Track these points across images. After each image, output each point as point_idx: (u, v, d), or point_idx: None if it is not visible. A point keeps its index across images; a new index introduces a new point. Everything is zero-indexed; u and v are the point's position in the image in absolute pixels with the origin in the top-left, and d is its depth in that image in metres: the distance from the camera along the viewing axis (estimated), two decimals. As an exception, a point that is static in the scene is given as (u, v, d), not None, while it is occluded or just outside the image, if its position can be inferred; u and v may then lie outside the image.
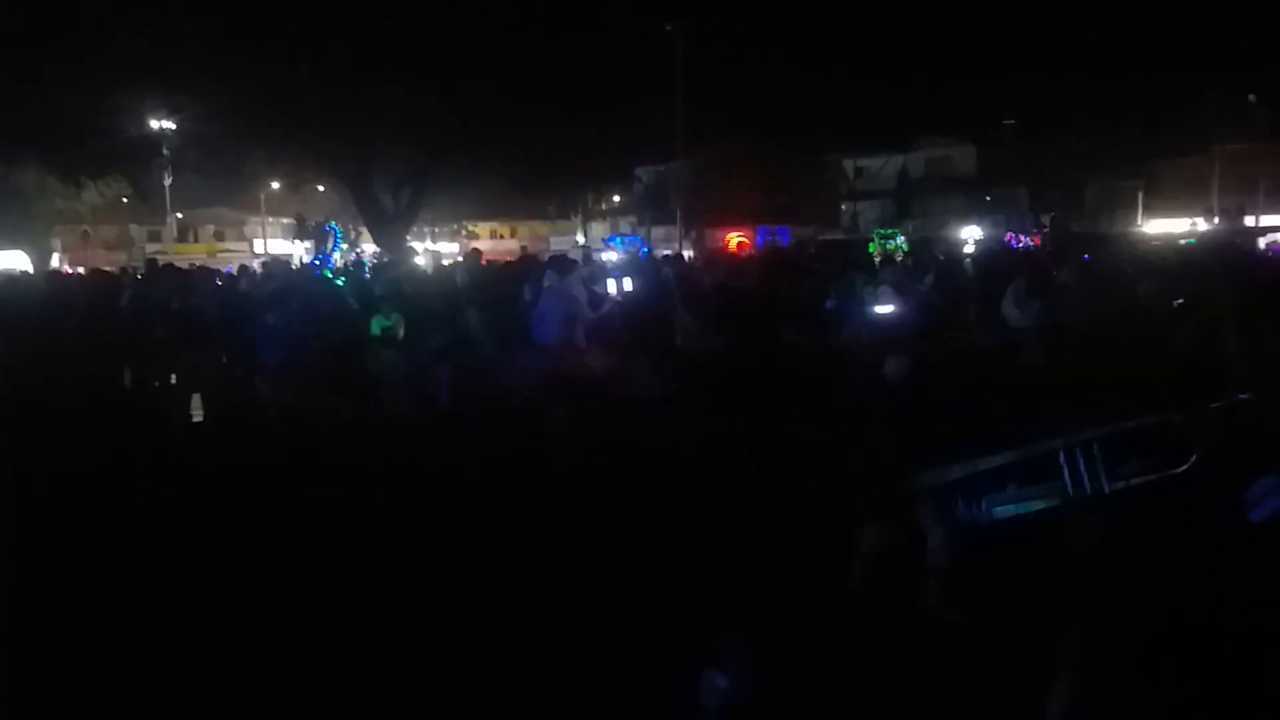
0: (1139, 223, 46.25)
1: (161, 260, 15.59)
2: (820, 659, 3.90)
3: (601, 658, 3.83)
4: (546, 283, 8.96)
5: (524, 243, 42.59)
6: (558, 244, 45.24)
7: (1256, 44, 53.29)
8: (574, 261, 10.19)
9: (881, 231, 19.32)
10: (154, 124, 22.33)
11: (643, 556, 5.51)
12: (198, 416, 9.94)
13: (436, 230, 48.94)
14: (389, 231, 23.56)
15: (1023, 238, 27.65)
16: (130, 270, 16.08)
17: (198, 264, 16.52)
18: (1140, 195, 49.31)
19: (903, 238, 18.38)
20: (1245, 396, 1.58)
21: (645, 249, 15.07)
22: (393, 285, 11.12)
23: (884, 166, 53.55)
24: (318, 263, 11.68)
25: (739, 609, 4.16)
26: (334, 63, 18.35)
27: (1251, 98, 39.13)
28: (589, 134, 23.73)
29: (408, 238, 25.54)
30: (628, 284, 8.19)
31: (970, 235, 29.88)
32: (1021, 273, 10.41)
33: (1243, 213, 32.88)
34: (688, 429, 8.23)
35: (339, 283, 11.01)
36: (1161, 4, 79.33)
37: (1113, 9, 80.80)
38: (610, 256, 26.59)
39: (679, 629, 3.69)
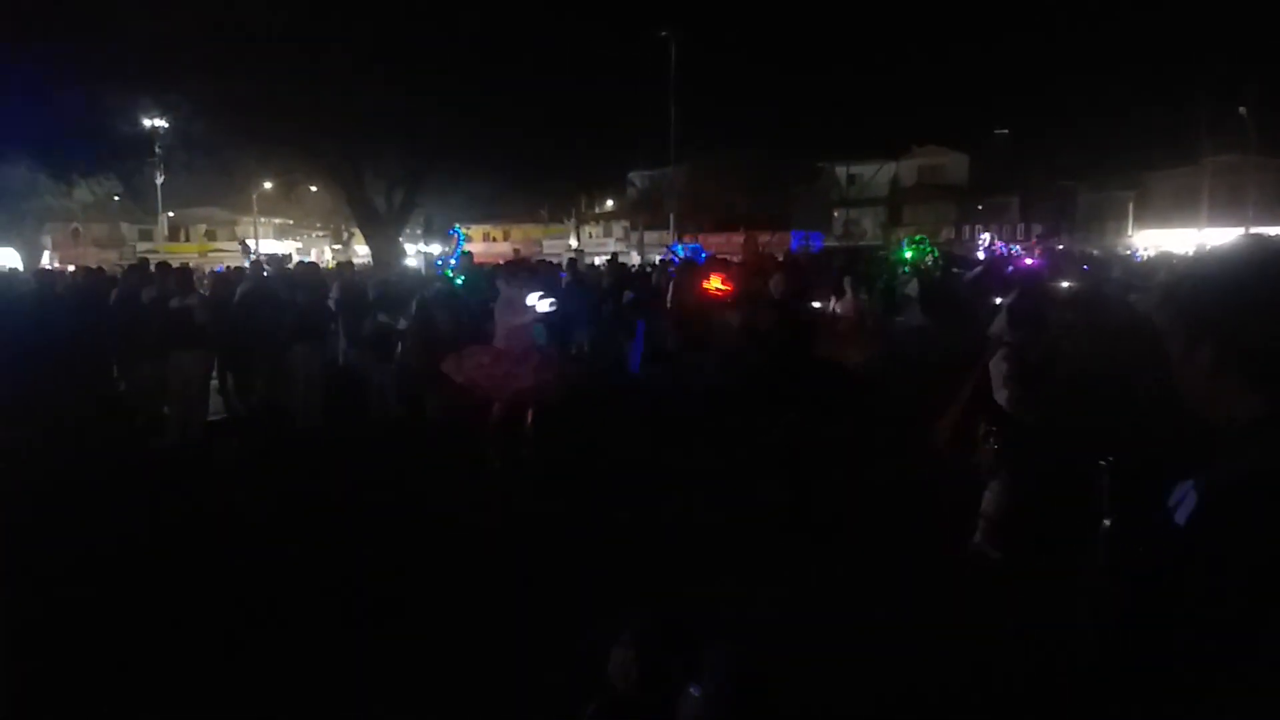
0: (1130, 233, 46.50)
1: (153, 260, 15.54)
2: (801, 672, 3.91)
3: (571, 666, 3.84)
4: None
5: (517, 245, 42.60)
6: (550, 247, 45.24)
7: (1247, 57, 53.64)
8: (524, 268, 10.27)
9: (914, 239, 19.28)
10: (146, 122, 22.28)
11: (619, 562, 5.53)
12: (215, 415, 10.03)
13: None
14: (381, 233, 23.55)
15: (1015, 248, 27.62)
16: (120, 268, 16.08)
17: (190, 264, 16.53)
18: (1131, 206, 49.54)
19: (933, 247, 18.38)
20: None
21: (704, 254, 15.31)
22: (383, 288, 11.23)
23: (876, 174, 53.72)
24: (441, 264, 12.00)
25: (718, 620, 4.17)
26: (328, 62, 18.35)
27: (1242, 110, 39.31)
28: (583, 138, 23.75)
29: (400, 239, 25.54)
30: (545, 304, 8.26)
31: (982, 242, 29.62)
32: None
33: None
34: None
35: (458, 282, 11.13)
36: (1153, 18, 79.77)
37: (1106, 22, 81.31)
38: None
39: (656, 638, 3.69)
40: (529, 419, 8.22)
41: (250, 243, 26.29)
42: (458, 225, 12.21)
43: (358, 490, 7.21)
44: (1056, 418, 5.57)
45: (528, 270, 11.13)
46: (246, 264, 16.20)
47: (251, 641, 4.63)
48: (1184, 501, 1.36)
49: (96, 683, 4.23)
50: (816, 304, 10.21)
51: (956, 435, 5.72)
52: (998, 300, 10.79)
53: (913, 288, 14.31)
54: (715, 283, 10.81)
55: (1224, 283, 1.45)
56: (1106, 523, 1.52)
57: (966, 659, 4.23)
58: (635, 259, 32.32)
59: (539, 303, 8.17)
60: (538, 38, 20.45)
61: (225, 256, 37.54)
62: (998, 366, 5.58)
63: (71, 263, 29.64)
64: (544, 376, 8.12)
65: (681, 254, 15.43)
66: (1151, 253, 29.62)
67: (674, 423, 8.85)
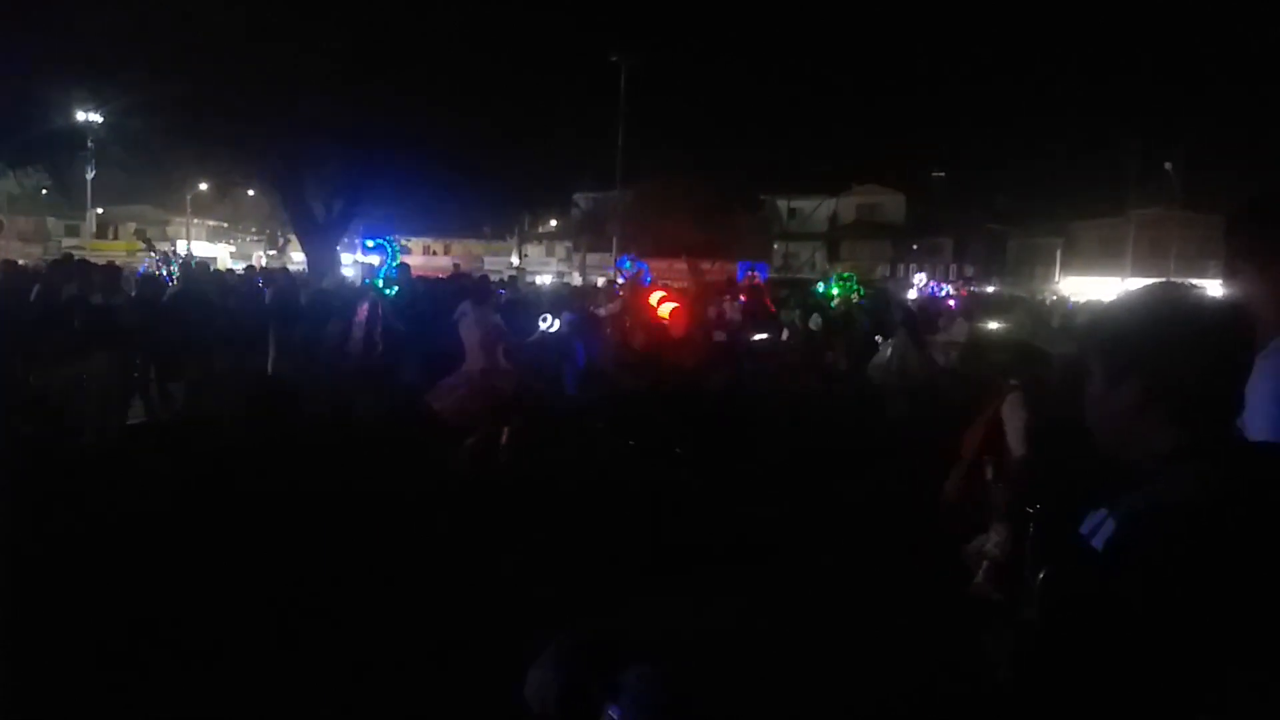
0: (1056, 279, 48.00)
1: (77, 256, 15.08)
2: (727, 689, 3.91)
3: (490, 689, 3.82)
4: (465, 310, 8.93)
5: (457, 260, 42.28)
6: (492, 264, 45.01)
7: (1174, 115, 56.01)
8: (490, 289, 10.22)
9: (842, 275, 19.80)
10: (80, 115, 21.67)
11: (543, 583, 5.49)
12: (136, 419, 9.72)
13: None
14: (319, 240, 23.12)
15: (946, 287, 28.37)
16: (44, 264, 15.58)
17: (115, 262, 16.04)
18: (1059, 253, 51.16)
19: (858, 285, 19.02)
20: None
21: (649, 276, 15.42)
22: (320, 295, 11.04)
23: (816, 209, 54.60)
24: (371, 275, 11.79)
25: (645, 640, 4.15)
26: (272, 66, 18.05)
27: (1168, 166, 40.98)
28: (530, 157, 23.73)
29: (337, 248, 25.11)
30: (556, 323, 8.44)
31: (917, 282, 30.43)
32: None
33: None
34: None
35: (388, 293, 10.91)
36: (1086, 74, 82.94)
37: (1042, 76, 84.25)
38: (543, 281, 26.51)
39: (576, 659, 3.67)
40: (504, 436, 8.33)
41: (160, 244, 25.16)
42: (390, 236, 11.96)
43: (282, 497, 7.04)
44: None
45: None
46: (148, 261, 15.68)
47: (157, 655, 4.48)
48: (1101, 528, 1.39)
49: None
50: (763, 335, 10.32)
51: (966, 489, 5.72)
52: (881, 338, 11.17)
53: (815, 320, 14.61)
54: (664, 309, 10.76)
55: (1147, 323, 1.50)
56: (1041, 575, 1.53)
57: (905, 684, 4.26)
58: (577, 280, 32.36)
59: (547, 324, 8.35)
60: (489, 54, 20.42)
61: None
62: (1014, 413, 5.58)
63: (-8, 255, 28.59)
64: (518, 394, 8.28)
65: (629, 268, 15.44)
66: (1055, 298, 30.78)
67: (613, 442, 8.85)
